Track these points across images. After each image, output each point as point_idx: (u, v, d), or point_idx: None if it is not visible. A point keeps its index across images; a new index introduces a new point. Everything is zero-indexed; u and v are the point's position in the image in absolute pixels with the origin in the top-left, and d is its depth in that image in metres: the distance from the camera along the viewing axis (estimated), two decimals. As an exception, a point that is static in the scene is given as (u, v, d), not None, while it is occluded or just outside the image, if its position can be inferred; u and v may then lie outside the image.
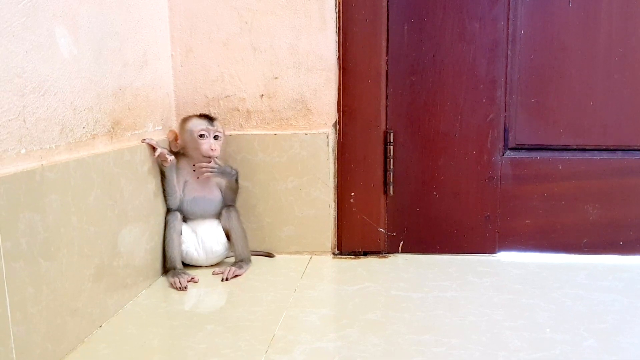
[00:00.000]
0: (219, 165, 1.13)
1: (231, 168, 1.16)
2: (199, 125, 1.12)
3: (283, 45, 1.21)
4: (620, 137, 1.21)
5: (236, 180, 1.17)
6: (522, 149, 1.23)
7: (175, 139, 1.14)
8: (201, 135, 1.11)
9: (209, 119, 1.13)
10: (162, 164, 1.09)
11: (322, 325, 0.90)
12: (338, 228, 1.25)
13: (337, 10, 1.19)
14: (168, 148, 1.14)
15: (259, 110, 1.23)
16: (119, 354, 0.81)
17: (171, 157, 1.09)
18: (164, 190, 1.12)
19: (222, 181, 1.16)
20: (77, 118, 0.86)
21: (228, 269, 1.12)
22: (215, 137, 1.13)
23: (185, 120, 1.15)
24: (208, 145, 1.11)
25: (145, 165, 1.05)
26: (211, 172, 1.13)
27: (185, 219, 1.16)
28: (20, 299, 0.70)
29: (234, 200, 1.18)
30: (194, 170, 1.14)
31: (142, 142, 1.06)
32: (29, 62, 0.75)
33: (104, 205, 0.90)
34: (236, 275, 1.12)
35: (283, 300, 1.00)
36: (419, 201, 1.25)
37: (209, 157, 1.12)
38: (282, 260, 1.22)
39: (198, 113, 1.16)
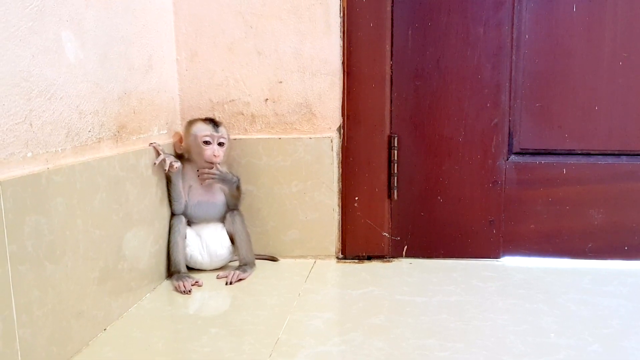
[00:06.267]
0: (220, 171, 1.13)
1: (232, 175, 1.16)
2: (203, 130, 1.12)
3: (288, 49, 1.22)
4: (625, 142, 1.21)
5: (237, 187, 1.17)
6: (526, 153, 1.23)
7: (180, 140, 1.15)
8: (205, 142, 1.11)
9: (214, 124, 1.13)
10: (169, 171, 1.10)
11: (326, 329, 0.90)
12: (342, 232, 1.26)
13: (341, 15, 1.20)
14: (173, 151, 1.15)
15: (264, 114, 1.24)
16: (124, 357, 0.81)
17: (177, 164, 1.10)
18: (169, 195, 1.13)
19: (225, 186, 1.17)
20: (82, 122, 0.86)
21: (232, 272, 1.12)
22: (220, 144, 1.13)
23: (190, 123, 1.15)
24: (211, 151, 1.12)
25: (150, 169, 1.06)
26: (212, 178, 1.13)
27: (189, 223, 1.16)
28: (26, 301, 0.70)
29: (236, 205, 1.18)
30: (198, 176, 1.14)
31: (150, 145, 1.06)
32: (35, 66, 0.75)
33: (109, 209, 0.91)
34: (240, 279, 1.12)
35: (287, 304, 1.00)
36: (423, 205, 1.25)
37: (211, 163, 1.12)
38: (286, 264, 1.22)
39: (203, 117, 1.17)
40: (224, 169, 1.15)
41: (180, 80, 1.24)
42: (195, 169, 1.14)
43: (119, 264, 0.94)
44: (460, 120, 1.22)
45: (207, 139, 1.12)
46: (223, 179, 1.15)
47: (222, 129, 1.14)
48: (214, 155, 1.12)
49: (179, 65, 1.24)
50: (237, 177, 1.17)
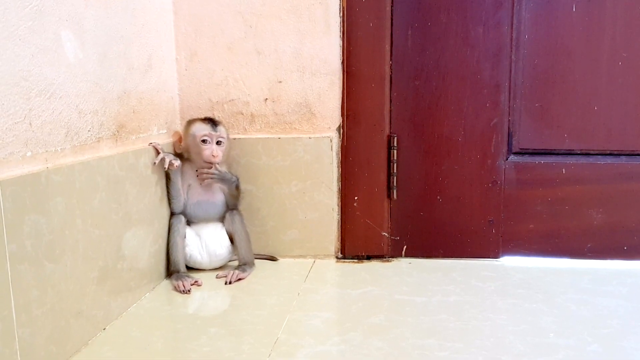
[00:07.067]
0: (219, 171, 1.13)
1: (231, 174, 1.16)
2: (202, 130, 1.12)
3: (287, 49, 1.22)
4: (625, 142, 1.21)
5: (237, 187, 1.17)
6: (525, 153, 1.23)
7: (179, 140, 1.15)
8: (204, 141, 1.11)
9: (213, 123, 1.13)
10: (168, 169, 1.10)
11: (325, 328, 0.90)
12: (341, 232, 1.26)
13: (341, 14, 1.20)
14: (173, 151, 1.15)
15: (263, 114, 1.24)
16: (123, 356, 0.81)
17: (177, 162, 1.10)
18: (168, 193, 1.13)
19: (225, 186, 1.16)
20: (82, 121, 0.86)
21: (231, 272, 1.12)
22: (218, 143, 1.13)
23: (189, 123, 1.15)
24: (210, 151, 1.12)
25: (149, 169, 1.06)
26: (211, 178, 1.13)
27: (189, 223, 1.16)
28: (25, 301, 0.70)
29: (236, 205, 1.18)
30: (197, 176, 1.14)
31: (149, 145, 1.06)
32: (35, 65, 0.75)
33: (108, 208, 0.91)
34: (240, 279, 1.12)
35: (286, 303, 1.00)
36: (423, 205, 1.25)
37: (210, 162, 1.12)
38: (286, 264, 1.22)
39: (203, 117, 1.16)
40: (223, 168, 1.15)
41: (180, 80, 1.24)
42: (195, 168, 1.14)
43: (119, 264, 0.94)
44: (459, 120, 1.22)
45: (206, 138, 1.12)
46: (222, 179, 1.14)
47: (220, 128, 1.13)
48: (213, 155, 1.12)
49: (178, 65, 1.24)
50: (237, 176, 1.17)
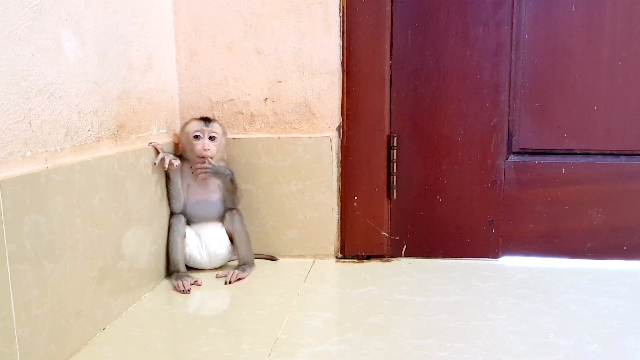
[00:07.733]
0: (212, 165, 1.13)
1: (225, 168, 1.16)
2: (194, 127, 1.13)
3: (287, 49, 1.21)
4: (625, 142, 1.21)
5: (231, 181, 1.16)
6: (525, 153, 1.23)
7: (178, 142, 1.15)
8: (196, 137, 1.12)
9: (207, 120, 1.14)
10: (168, 169, 1.10)
11: (325, 328, 0.90)
12: (341, 232, 1.26)
13: (341, 14, 1.20)
14: (173, 150, 1.15)
15: (263, 113, 1.24)
16: (123, 356, 0.81)
17: (177, 162, 1.10)
18: (168, 193, 1.13)
19: (219, 180, 1.16)
20: (82, 121, 0.86)
21: (231, 272, 1.12)
22: (211, 138, 1.13)
23: (186, 123, 1.16)
24: (202, 145, 1.12)
25: (149, 168, 1.06)
26: (205, 172, 1.13)
27: (188, 222, 1.16)
28: (25, 301, 0.70)
29: (232, 201, 1.18)
30: (192, 172, 1.14)
31: (149, 144, 1.06)
32: (34, 65, 0.75)
33: (108, 208, 0.91)
34: (239, 279, 1.12)
35: (286, 303, 1.00)
36: (423, 205, 1.25)
37: (203, 157, 1.12)
38: (286, 264, 1.22)
39: (199, 116, 1.16)
40: (220, 165, 1.15)
41: (180, 80, 1.24)
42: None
43: (118, 263, 0.94)
44: (459, 120, 1.22)
45: (198, 133, 1.12)
46: (216, 172, 1.14)
47: (214, 124, 1.14)
48: (204, 148, 1.11)
49: (178, 65, 1.23)
50: (231, 170, 1.16)
